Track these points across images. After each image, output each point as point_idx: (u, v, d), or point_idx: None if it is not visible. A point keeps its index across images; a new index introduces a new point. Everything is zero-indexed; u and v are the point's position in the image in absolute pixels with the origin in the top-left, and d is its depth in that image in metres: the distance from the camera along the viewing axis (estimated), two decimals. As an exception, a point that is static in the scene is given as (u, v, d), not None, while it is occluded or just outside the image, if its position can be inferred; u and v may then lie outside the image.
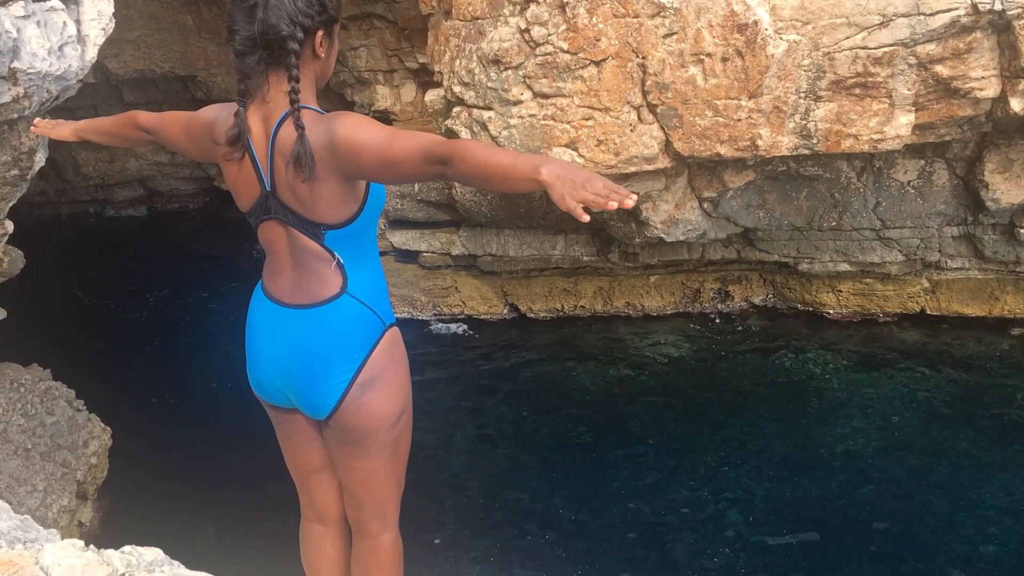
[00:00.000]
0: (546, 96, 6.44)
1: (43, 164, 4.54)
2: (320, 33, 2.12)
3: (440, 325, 8.42)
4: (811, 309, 8.10)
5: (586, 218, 1.66)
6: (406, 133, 1.95)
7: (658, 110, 6.34)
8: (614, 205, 1.64)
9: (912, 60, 5.98)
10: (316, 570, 2.62)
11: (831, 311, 8.04)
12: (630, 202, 1.65)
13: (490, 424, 6.75)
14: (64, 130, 2.90)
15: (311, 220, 2.14)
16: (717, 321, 8.15)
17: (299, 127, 2.03)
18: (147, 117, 2.59)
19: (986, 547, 5.11)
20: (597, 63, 6.29)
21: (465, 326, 8.36)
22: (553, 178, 1.68)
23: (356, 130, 1.98)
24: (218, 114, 2.27)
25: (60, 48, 3.91)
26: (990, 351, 7.31)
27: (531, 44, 6.37)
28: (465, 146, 1.83)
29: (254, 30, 2.05)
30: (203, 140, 2.32)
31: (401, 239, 8.65)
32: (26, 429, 5.25)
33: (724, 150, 6.36)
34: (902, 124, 6.20)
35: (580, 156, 6.48)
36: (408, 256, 8.79)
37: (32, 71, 3.78)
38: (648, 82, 6.28)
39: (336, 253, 2.20)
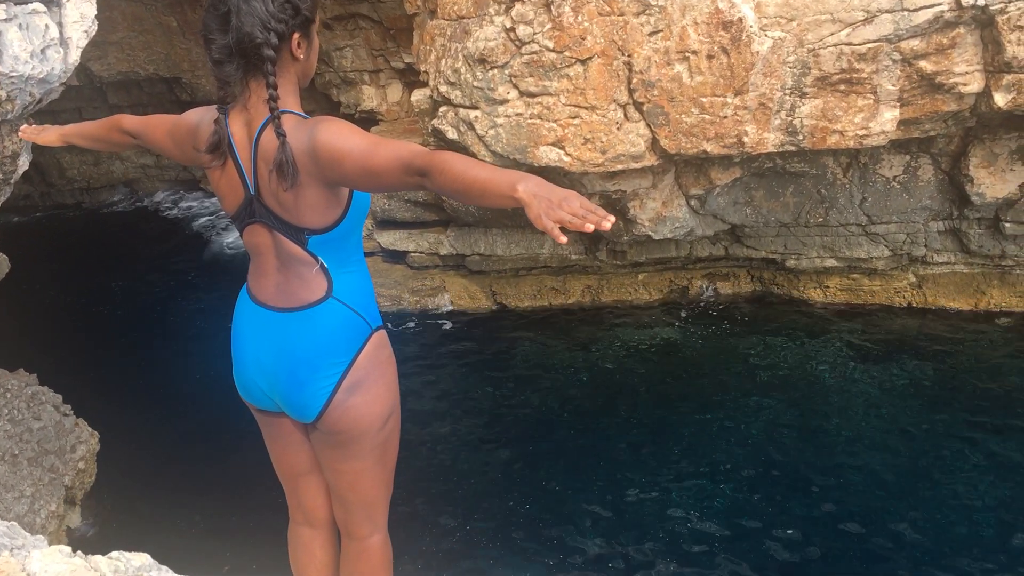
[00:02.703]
0: (532, 95, 6.44)
1: (27, 168, 4.51)
2: (296, 36, 2.09)
3: (428, 321, 8.42)
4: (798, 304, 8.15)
5: (563, 239, 1.62)
6: (388, 143, 1.93)
7: (644, 108, 6.35)
8: (591, 227, 1.60)
9: (896, 56, 6.01)
10: (305, 573, 2.61)
11: (818, 306, 8.08)
12: (607, 224, 1.60)
13: (477, 416, 6.75)
14: (51, 135, 2.89)
15: (295, 225, 2.13)
16: (703, 312, 8.18)
17: (280, 135, 2.01)
18: (132, 121, 2.57)
19: (973, 534, 5.14)
20: (583, 61, 6.30)
21: (453, 323, 8.37)
22: (530, 196, 1.65)
23: (338, 138, 1.96)
24: (201, 119, 2.25)
25: (42, 51, 3.88)
26: (977, 338, 7.36)
27: (517, 43, 6.37)
28: (444, 159, 1.80)
29: (229, 39, 2.04)
30: (186, 145, 2.31)
31: (389, 239, 8.64)
32: (13, 434, 5.21)
33: (711, 147, 6.37)
34: (887, 120, 6.23)
35: (567, 154, 6.49)
36: (396, 256, 8.79)
37: (14, 74, 3.76)
38: (634, 80, 6.28)
39: (320, 257, 2.19)
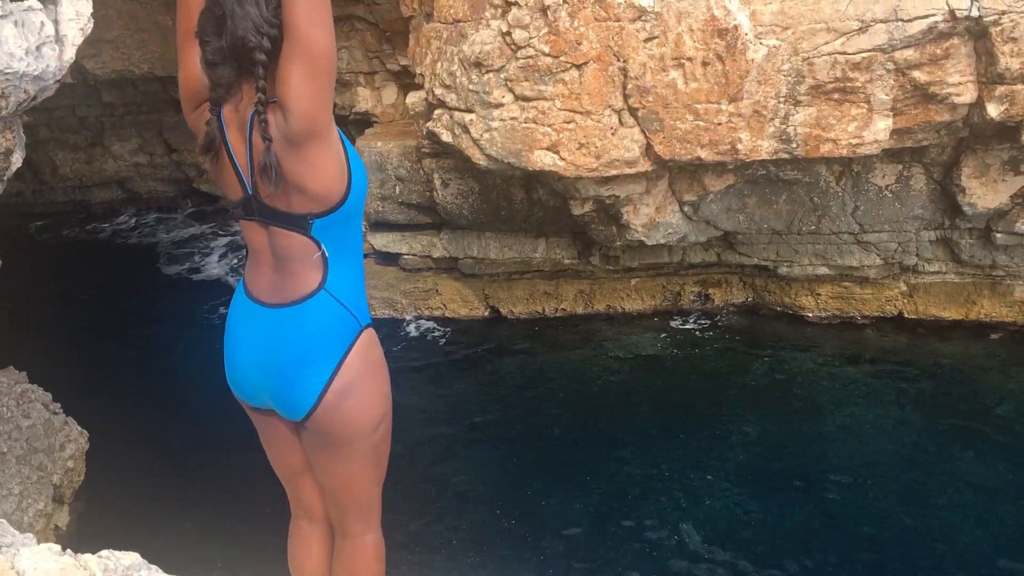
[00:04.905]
0: (527, 99, 6.45)
1: (20, 165, 4.49)
2: None
3: (420, 324, 8.41)
4: (790, 312, 8.14)
5: None
6: None
7: (639, 114, 6.36)
8: None
9: (890, 65, 6.04)
10: (300, 567, 2.60)
11: (810, 314, 8.09)
12: None
13: (468, 423, 6.74)
14: None
15: (297, 213, 2.14)
16: (695, 321, 8.18)
17: (266, 139, 2.03)
18: None
19: (959, 551, 5.15)
20: (578, 66, 6.31)
21: (445, 327, 8.36)
22: None
23: (286, 81, 2.00)
24: (203, 88, 2.19)
25: (38, 48, 3.87)
26: (968, 354, 7.38)
27: (512, 47, 6.38)
28: None
29: (223, 42, 2.04)
30: (188, 87, 2.24)
31: (382, 241, 8.63)
32: (1, 432, 5.19)
33: (705, 154, 6.39)
34: (880, 129, 6.25)
35: (561, 159, 6.50)
36: (389, 258, 8.77)
37: (9, 71, 3.74)
38: (629, 85, 6.30)
39: (322, 244, 2.19)
